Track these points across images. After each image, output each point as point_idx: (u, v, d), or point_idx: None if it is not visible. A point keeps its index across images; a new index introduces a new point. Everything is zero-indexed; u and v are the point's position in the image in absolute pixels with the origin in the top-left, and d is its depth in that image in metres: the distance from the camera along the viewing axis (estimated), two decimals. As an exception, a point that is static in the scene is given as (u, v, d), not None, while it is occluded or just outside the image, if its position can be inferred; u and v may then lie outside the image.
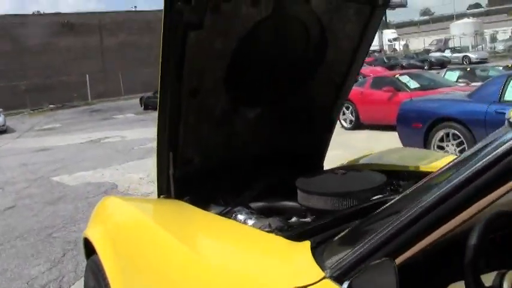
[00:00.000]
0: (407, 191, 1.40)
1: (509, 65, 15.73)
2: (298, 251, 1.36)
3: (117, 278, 1.95)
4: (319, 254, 1.29)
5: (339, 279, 1.13)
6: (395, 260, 1.07)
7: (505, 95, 6.14)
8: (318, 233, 1.57)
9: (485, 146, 1.20)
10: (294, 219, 1.97)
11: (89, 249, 2.28)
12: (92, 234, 2.28)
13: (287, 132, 2.55)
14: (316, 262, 1.24)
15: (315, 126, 2.64)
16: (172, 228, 1.89)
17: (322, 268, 1.20)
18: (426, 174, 2.09)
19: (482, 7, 77.38)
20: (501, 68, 14.58)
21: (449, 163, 1.40)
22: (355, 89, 10.31)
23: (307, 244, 1.36)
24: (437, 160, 2.45)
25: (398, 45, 53.92)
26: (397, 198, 1.41)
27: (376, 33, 2.49)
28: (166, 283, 1.61)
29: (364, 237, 1.17)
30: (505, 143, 1.08)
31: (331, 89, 2.55)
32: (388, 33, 57.83)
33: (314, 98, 2.54)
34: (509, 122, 1.18)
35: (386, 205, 1.38)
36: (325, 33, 2.26)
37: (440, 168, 1.36)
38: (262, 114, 2.39)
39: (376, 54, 40.65)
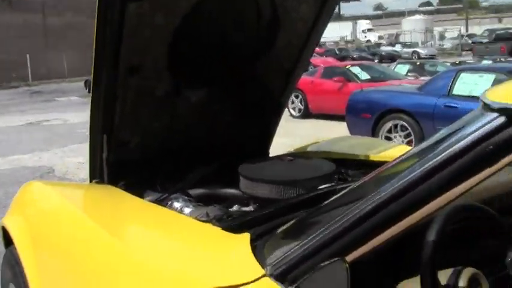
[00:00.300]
0: (360, 182, 1.27)
1: (457, 62, 16.31)
2: (236, 244, 1.22)
3: (35, 271, 1.76)
4: (259, 248, 1.15)
5: (280, 278, 1.00)
6: (346, 258, 0.94)
7: (454, 89, 6.30)
8: (260, 223, 1.44)
9: (454, 133, 1.06)
10: (235, 208, 1.83)
11: (7, 239, 2.06)
12: (10, 222, 2.07)
13: (232, 115, 2.41)
14: (256, 257, 1.10)
15: (263, 111, 2.51)
16: (98, 216, 1.72)
17: (262, 265, 1.06)
18: (376, 163, 2.01)
19: (433, 5, 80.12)
20: (449, 64, 15.08)
21: (408, 151, 1.28)
22: (305, 77, 10.30)
23: (246, 236, 1.22)
24: (387, 149, 2.40)
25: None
26: (348, 189, 1.27)
27: (331, 16, 2.38)
28: (88, 277, 1.44)
29: (311, 231, 1.04)
30: (482, 127, 0.95)
31: (281, 72, 2.43)
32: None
33: (263, 81, 2.40)
34: (485, 103, 1.03)
35: (337, 196, 1.24)
36: (277, 12, 2.13)
37: (398, 157, 1.23)
38: (207, 96, 2.24)
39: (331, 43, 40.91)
